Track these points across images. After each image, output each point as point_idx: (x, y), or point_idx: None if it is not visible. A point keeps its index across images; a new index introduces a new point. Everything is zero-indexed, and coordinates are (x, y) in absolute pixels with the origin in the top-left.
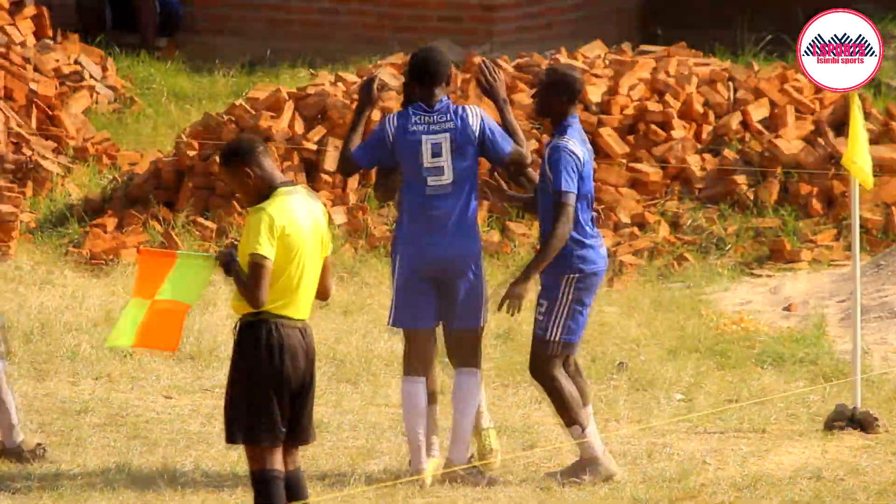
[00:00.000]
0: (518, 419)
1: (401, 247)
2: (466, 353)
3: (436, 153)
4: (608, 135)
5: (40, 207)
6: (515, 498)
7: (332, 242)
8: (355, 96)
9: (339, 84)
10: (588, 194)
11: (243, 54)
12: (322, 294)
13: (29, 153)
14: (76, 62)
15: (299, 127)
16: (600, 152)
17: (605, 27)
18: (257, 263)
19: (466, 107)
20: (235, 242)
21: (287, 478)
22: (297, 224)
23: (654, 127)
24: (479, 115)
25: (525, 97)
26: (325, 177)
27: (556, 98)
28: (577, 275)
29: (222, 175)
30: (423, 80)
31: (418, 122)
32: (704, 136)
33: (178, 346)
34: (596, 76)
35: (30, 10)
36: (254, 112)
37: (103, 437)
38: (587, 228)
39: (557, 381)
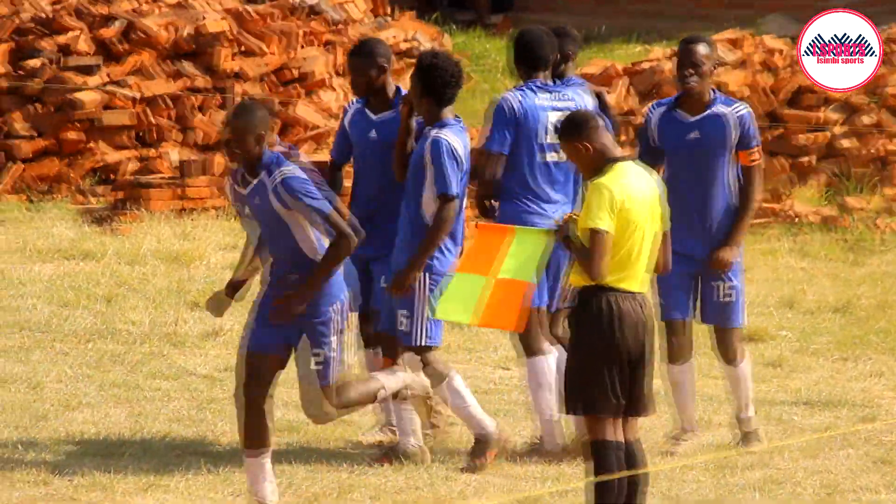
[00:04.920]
0: (857, 393)
1: None
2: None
3: None
4: None
5: None
6: (855, 469)
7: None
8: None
9: (673, 59)
10: None
11: (576, 29)
12: (661, 267)
13: None
14: (412, 39)
15: (633, 101)
16: None
17: None
18: (596, 236)
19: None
20: (574, 216)
21: (626, 448)
22: (636, 198)
23: None
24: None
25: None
26: None
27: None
28: None
29: (560, 149)
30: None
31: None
32: None
33: (520, 326)
34: None
35: None
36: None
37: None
38: None
39: None
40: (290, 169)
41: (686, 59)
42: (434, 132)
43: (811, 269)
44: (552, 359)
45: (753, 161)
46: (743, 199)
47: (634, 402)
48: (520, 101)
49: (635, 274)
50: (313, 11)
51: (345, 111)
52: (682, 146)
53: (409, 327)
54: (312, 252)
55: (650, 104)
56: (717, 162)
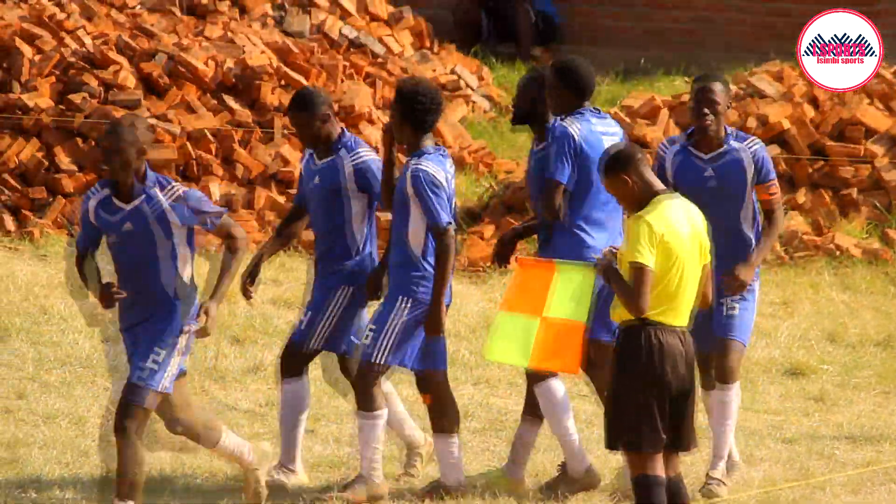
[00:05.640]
0: None
1: None
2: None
3: None
4: None
5: None
6: None
7: (711, 249)
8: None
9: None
10: None
11: (618, 62)
12: (702, 301)
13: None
14: (453, 72)
15: (675, 135)
16: None
17: None
18: (638, 271)
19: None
20: (614, 250)
21: (668, 484)
22: (677, 231)
23: None
24: None
25: None
26: None
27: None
28: None
29: (602, 183)
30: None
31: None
32: None
33: (579, 368)
34: None
35: (408, 21)
36: (629, 120)
37: (483, 442)
38: None
39: None
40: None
41: (702, 99)
42: (413, 163)
43: (853, 302)
44: (557, 381)
45: (772, 195)
46: (765, 229)
47: (677, 437)
48: (579, 129)
49: (677, 308)
50: (355, 45)
51: (302, 157)
52: (698, 186)
53: (371, 342)
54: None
55: (661, 141)
56: (734, 200)
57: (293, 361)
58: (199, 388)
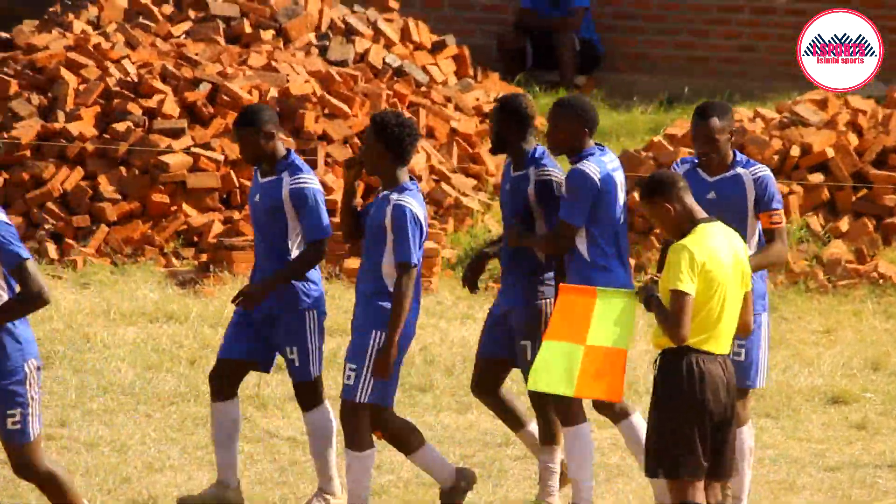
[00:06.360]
0: None
1: None
2: None
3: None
4: None
5: (461, 243)
6: None
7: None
8: (773, 132)
9: (758, 120)
10: None
11: (661, 91)
12: (743, 329)
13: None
14: (496, 100)
15: None
16: None
17: None
18: (679, 299)
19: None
20: (655, 278)
21: None
22: (718, 259)
23: None
24: None
25: None
26: None
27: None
28: None
29: (643, 210)
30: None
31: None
32: None
33: (622, 396)
34: None
35: (451, 49)
36: (672, 148)
37: (524, 469)
38: None
39: None
40: None
41: (698, 137)
42: (395, 197)
43: None
44: (587, 426)
45: (774, 224)
46: (762, 257)
47: (717, 465)
48: (598, 171)
49: (718, 335)
50: (398, 73)
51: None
52: (700, 206)
53: (354, 382)
54: None
55: (675, 160)
56: (734, 224)
57: (306, 396)
58: (242, 415)
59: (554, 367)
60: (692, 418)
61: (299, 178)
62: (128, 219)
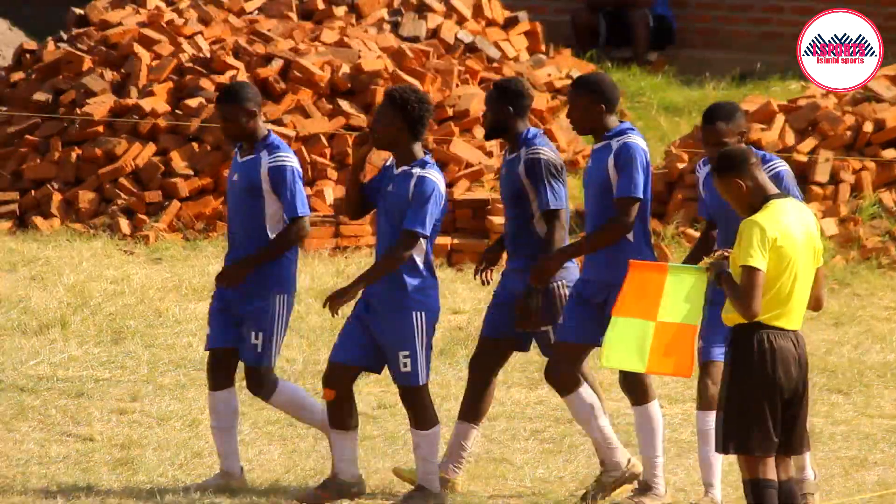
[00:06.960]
0: None
1: None
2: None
3: None
4: None
5: None
6: None
7: (823, 253)
8: (846, 108)
9: (831, 96)
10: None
11: (734, 66)
12: (814, 304)
13: None
14: (568, 76)
15: (790, 138)
16: None
17: None
18: (750, 275)
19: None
20: (726, 254)
21: (780, 487)
22: (790, 235)
23: None
24: None
25: None
26: (816, 188)
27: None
28: None
29: (715, 185)
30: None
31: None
32: None
33: (692, 371)
34: None
35: (524, 25)
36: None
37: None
38: None
39: None
40: None
41: (707, 139)
42: (418, 171)
43: None
44: (585, 388)
45: None
46: None
47: (790, 441)
48: (645, 145)
49: (790, 311)
50: (470, 49)
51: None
52: (718, 205)
53: (412, 367)
54: None
55: (699, 160)
56: None
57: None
58: (312, 391)
59: (626, 344)
60: (763, 394)
61: (278, 156)
62: (199, 194)
